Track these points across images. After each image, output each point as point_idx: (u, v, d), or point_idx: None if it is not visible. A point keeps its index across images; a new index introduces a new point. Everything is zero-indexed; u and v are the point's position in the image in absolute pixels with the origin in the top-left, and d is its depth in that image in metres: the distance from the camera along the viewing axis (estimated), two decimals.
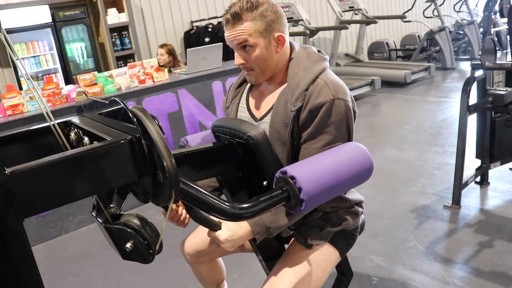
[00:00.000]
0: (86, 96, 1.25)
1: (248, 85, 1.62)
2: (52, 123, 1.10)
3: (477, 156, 3.36)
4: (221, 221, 1.34)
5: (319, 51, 1.51)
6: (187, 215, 1.58)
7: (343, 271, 1.79)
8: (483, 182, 3.42)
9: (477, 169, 3.34)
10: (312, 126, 1.37)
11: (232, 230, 1.35)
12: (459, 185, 3.11)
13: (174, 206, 1.51)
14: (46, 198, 0.89)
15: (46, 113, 1.08)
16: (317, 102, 1.35)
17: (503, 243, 2.64)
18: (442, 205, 3.17)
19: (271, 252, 1.55)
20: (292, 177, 1.18)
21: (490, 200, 3.22)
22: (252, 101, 1.58)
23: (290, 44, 1.51)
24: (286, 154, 1.42)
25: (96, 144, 0.99)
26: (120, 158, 0.96)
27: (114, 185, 1.06)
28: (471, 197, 3.25)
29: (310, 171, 1.21)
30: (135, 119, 0.96)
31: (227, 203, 1.13)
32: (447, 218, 3.01)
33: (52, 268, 3.07)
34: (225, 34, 1.43)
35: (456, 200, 3.12)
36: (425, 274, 2.44)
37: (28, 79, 1.08)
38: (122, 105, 1.00)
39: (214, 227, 1.35)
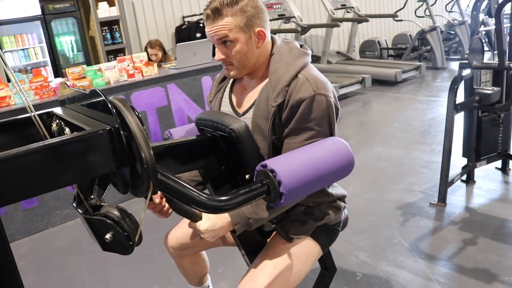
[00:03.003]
0: (68, 87, 1.24)
1: (231, 80, 1.62)
2: (32, 114, 1.09)
3: (464, 155, 3.39)
4: (202, 212, 1.35)
5: (301, 46, 1.52)
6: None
7: (326, 266, 1.79)
8: (469, 180, 3.45)
9: (463, 168, 3.37)
10: (293, 121, 1.38)
11: (212, 221, 1.35)
12: (445, 183, 3.13)
13: (157, 197, 1.51)
14: (23, 187, 0.89)
15: (28, 104, 1.08)
16: (298, 98, 1.36)
17: (486, 240, 2.67)
18: (428, 202, 3.20)
19: (254, 246, 1.56)
20: (272, 171, 1.19)
21: (475, 198, 3.25)
22: (234, 97, 1.59)
23: (272, 38, 1.51)
24: (268, 149, 1.42)
25: (74, 134, 0.99)
26: (98, 148, 0.96)
27: (93, 175, 1.05)
28: (457, 195, 3.28)
29: (290, 165, 1.22)
30: (114, 110, 0.96)
31: (205, 195, 1.14)
32: (433, 215, 3.03)
33: (38, 262, 3.05)
34: (206, 29, 1.43)
35: (442, 198, 3.15)
36: (408, 270, 2.46)
37: (9, 71, 1.08)
38: (103, 96, 1.00)
39: (194, 218, 1.36)
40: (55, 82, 4.02)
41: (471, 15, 3.26)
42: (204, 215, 1.36)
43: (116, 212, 1.10)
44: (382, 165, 4.02)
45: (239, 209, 1.33)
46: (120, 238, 1.08)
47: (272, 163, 1.21)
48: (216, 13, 1.38)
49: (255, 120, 1.45)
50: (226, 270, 2.63)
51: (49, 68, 5.88)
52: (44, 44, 5.83)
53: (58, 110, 1.28)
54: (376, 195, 3.44)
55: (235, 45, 1.41)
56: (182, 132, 1.67)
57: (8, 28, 5.60)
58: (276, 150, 1.44)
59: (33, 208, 3.45)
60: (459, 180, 3.39)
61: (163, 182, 1.10)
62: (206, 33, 1.44)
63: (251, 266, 1.48)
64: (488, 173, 3.56)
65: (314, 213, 1.50)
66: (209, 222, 1.35)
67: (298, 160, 1.25)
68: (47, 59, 5.89)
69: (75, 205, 1.19)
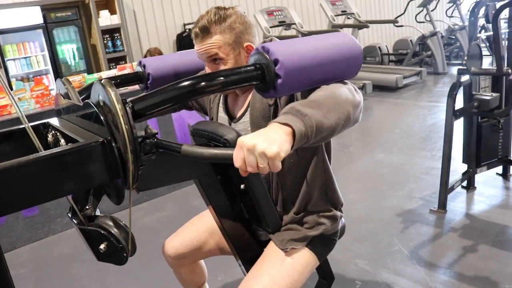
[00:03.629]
0: (63, 97, 1.25)
1: None
2: (26, 125, 1.10)
3: (464, 161, 3.38)
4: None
5: None
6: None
7: (325, 275, 1.79)
8: (470, 186, 3.44)
9: (463, 174, 3.36)
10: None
11: (256, 132, 0.97)
12: (445, 189, 3.13)
13: None
14: (18, 198, 0.90)
15: (22, 115, 1.09)
16: None
17: (487, 247, 2.66)
18: (428, 209, 3.19)
19: (250, 255, 1.56)
20: (268, 50, 1.10)
21: (476, 204, 3.24)
22: (229, 101, 1.61)
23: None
24: None
25: (69, 145, 0.99)
26: (92, 159, 0.97)
27: (87, 186, 1.07)
28: (457, 202, 3.27)
29: (290, 46, 1.13)
30: (105, 122, 0.97)
31: (185, 81, 1.10)
32: (433, 222, 3.02)
33: (38, 270, 3.06)
34: (195, 48, 1.45)
35: (442, 204, 3.14)
36: (408, 278, 2.45)
37: (3, 84, 1.08)
38: (95, 108, 1.01)
39: (228, 151, 1.00)
40: (56, 90, 4.04)
41: (468, 21, 3.27)
42: (244, 136, 0.96)
43: (110, 223, 1.11)
44: (382, 171, 4.01)
45: (282, 114, 1.04)
46: (114, 248, 1.09)
47: (268, 44, 1.12)
48: (204, 32, 1.40)
49: (253, 121, 1.46)
50: (226, 278, 2.63)
51: (51, 76, 5.91)
52: (46, 52, 5.87)
53: (54, 121, 1.29)
54: (376, 201, 3.43)
55: (225, 62, 1.43)
56: (157, 61, 1.68)
57: (10, 37, 5.63)
58: None
59: (33, 216, 3.46)
60: (460, 186, 3.38)
61: (142, 109, 1.07)
62: (196, 50, 1.46)
63: (246, 276, 1.48)
64: (488, 179, 3.55)
65: (310, 223, 1.50)
66: (253, 134, 0.96)
67: (298, 43, 1.16)
68: (49, 67, 5.92)
69: (70, 216, 1.20)
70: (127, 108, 0.98)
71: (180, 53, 1.84)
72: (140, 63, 1.71)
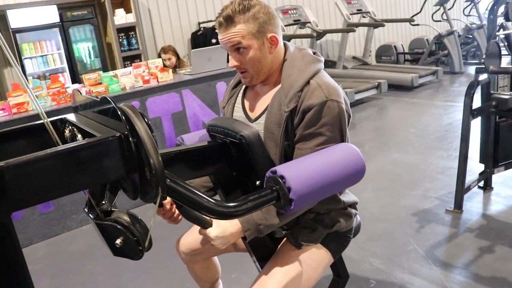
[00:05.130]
0: (80, 93, 1.26)
1: (244, 86, 1.63)
2: (45, 120, 1.11)
3: (481, 161, 3.33)
4: (212, 219, 1.35)
5: (314, 53, 1.52)
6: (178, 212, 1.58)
7: (339, 273, 1.78)
8: (487, 187, 3.39)
9: (480, 174, 3.31)
10: (304, 126, 1.37)
11: (222, 227, 1.34)
12: (461, 189, 3.09)
13: (167, 203, 1.52)
14: (34, 192, 0.90)
15: (41, 111, 1.10)
16: (310, 103, 1.36)
17: (504, 248, 2.62)
18: (444, 209, 3.15)
19: (265, 252, 1.55)
20: (282, 177, 1.18)
21: (492, 205, 3.20)
22: (247, 102, 1.59)
23: (285, 45, 1.52)
24: (279, 155, 1.42)
25: (86, 140, 1.00)
26: (109, 154, 0.97)
27: (103, 180, 1.07)
28: (473, 202, 3.23)
29: (300, 170, 1.21)
30: (123, 117, 0.97)
31: (214, 201, 1.14)
32: (449, 222, 2.99)
33: (53, 266, 3.09)
34: (219, 37, 1.45)
35: (458, 204, 3.10)
36: (423, 278, 2.43)
37: (23, 81, 1.09)
38: (112, 103, 1.01)
39: (205, 225, 1.35)
40: (72, 88, 4.07)
41: (487, 19, 3.22)
42: (214, 222, 1.35)
43: (126, 218, 1.11)
44: (397, 171, 3.98)
45: (249, 216, 1.33)
46: (130, 243, 1.09)
47: (282, 169, 1.20)
48: (228, 21, 1.39)
49: (267, 125, 1.45)
50: (240, 275, 2.63)
51: (67, 74, 5.96)
52: (62, 51, 5.93)
53: (71, 117, 1.30)
54: (391, 201, 3.40)
55: (249, 51, 1.42)
56: (194, 138, 1.68)
57: (27, 36, 5.70)
58: (288, 156, 1.44)
59: (49, 212, 3.50)
60: (476, 186, 3.33)
61: (172, 188, 1.10)
62: (219, 40, 1.45)
63: (260, 273, 1.47)
64: (506, 180, 3.50)
65: (325, 221, 1.49)
66: (219, 229, 1.34)
67: (308, 166, 1.24)
68: (65, 65, 5.98)
69: (86, 210, 1.20)
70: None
71: None
72: (179, 139, 1.75)
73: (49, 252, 3.31)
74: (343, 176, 1.27)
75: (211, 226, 1.35)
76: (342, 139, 1.42)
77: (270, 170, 1.23)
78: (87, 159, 0.94)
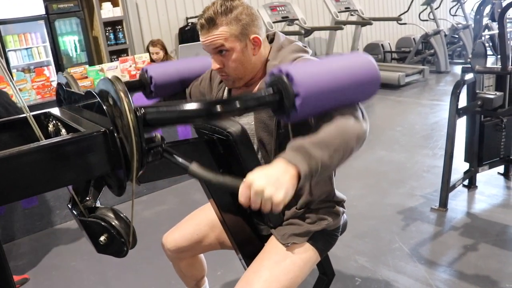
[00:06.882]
0: (64, 88, 1.24)
1: None
2: (28, 114, 1.08)
3: (466, 160, 3.37)
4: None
5: (305, 47, 1.50)
6: None
7: (325, 271, 1.78)
8: (471, 185, 3.43)
9: (465, 173, 3.34)
10: None
11: (264, 171, 1.01)
12: (446, 188, 3.11)
13: None
14: (17, 187, 0.88)
15: (23, 105, 1.07)
16: None
17: (487, 246, 2.65)
18: (429, 207, 3.18)
19: (251, 250, 1.54)
20: (287, 74, 1.08)
21: (477, 203, 3.23)
22: (233, 95, 1.58)
23: (276, 35, 1.50)
24: (274, 144, 1.41)
25: (70, 135, 0.98)
26: (93, 149, 0.95)
27: (88, 177, 1.05)
28: (458, 200, 3.26)
29: (308, 69, 1.13)
30: (108, 113, 0.95)
31: (203, 102, 1.03)
32: (434, 220, 3.01)
33: (36, 262, 3.04)
34: (201, 39, 1.42)
35: (443, 203, 3.13)
36: (408, 276, 2.44)
37: (5, 73, 1.07)
38: (97, 98, 0.99)
39: (235, 182, 1.01)
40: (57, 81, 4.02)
41: (474, 19, 3.25)
42: (253, 174, 1.01)
43: (110, 215, 1.09)
44: (383, 168, 4.00)
45: (287, 151, 1.08)
46: (115, 240, 1.08)
47: (287, 66, 1.11)
48: (210, 23, 1.37)
49: (257, 117, 1.44)
50: (225, 273, 2.62)
51: (52, 67, 5.89)
52: (47, 44, 5.84)
53: (55, 111, 1.27)
54: (377, 199, 3.42)
55: (232, 54, 1.40)
56: (159, 68, 1.67)
57: (12, 27, 5.61)
58: (282, 143, 1.41)
59: (33, 208, 3.45)
60: (461, 185, 3.36)
61: (152, 115, 1.00)
62: (201, 42, 1.43)
63: (247, 270, 1.46)
64: (490, 179, 3.54)
65: (312, 218, 1.49)
66: (261, 173, 1.01)
67: (316, 65, 1.16)
68: (50, 58, 5.90)
69: (70, 207, 1.18)
70: (139, 119, 0.94)
71: (182, 59, 1.84)
72: (143, 69, 1.69)
73: (32, 248, 3.26)
74: (355, 81, 1.18)
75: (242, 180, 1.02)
76: None
77: (272, 70, 1.15)
78: (71, 155, 0.93)
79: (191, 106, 1.03)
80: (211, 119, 1.14)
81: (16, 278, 2.80)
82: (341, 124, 1.14)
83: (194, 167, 1.01)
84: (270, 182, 0.98)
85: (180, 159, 1.03)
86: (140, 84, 1.69)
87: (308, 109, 1.10)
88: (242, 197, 0.99)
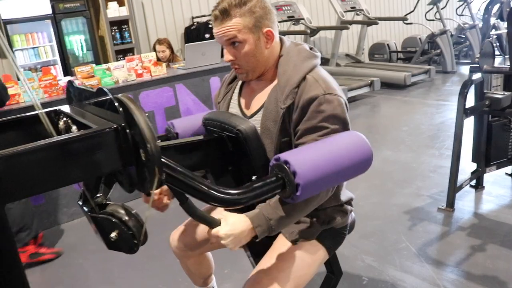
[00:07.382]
0: (74, 85, 1.24)
1: (240, 82, 1.61)
2: (40, 111, 1.09)
3: (473, 160, 3.35)
4: (220, 217, 1.28)
5: (311, 48, 1.50)
6: (167, 201, 1.51)
7: (333, 270, 1.78)
8: (478, 186, 3.41)
9: (472, 173, 3.33)
10: (305, 121, 1.36)
11: (231, 225, 1.25)
12: (453, 188, 3.10)
13: (156, 193, 1.47)
14: (28, 183, 0.88)
15: (35, 101, 1.08)
16: (308, 97, 1.34)
17: (495, 247, 2.64)
18: (436, 207, 3.17)
19: (259, 248, 1.54)
20: (286, 162, 1.14)
21: (484, 204, 3.22)
22: (243, 100, 1.58)
23: (281, 39, 1.50)
24: (274, 152, 1.41)
25: (81, 131, 0.98)
26: (105, 146, 0.95)
27: (99, 173, 1.05)
28: (465, 201, 3.25)
29: (306, 155, 1.17)
30: (120, 108, 0.95)
31: (216, 188, 1.09)
32: (440, 220, 3.00)
33: None
34: (214, 30, 1.42)
35: (450, 203, 3.12)
36: (415, 275, 2.44)
37: (18, 70, 1.07)
38: (109, 95, 0.99)
39: (212, 224, 1.26)
40: (64, 80, 4.03)
41: (482, 19, 3.24)
42: (222, 220, 1.26)
43: (121, 211, 1.09)
44: (389, 169, 3.99)
45: (259, 212, 1.29)
46: (125, 237, 1.08)
47: (285, 155, 1.17)
48: (224, 14, 1.37)
49: (264, 122, 1.44)
50: (232, 271, 2.62)
51: (59, 67, 5.91)
52: (54, 43, 5.87)
53: (65, 108, 1.28)
54: (383, 199, 3.41)
55: (244, 46, 1.40)
56: (185, 122, 1.67)
57: (19, 27, 5.63)
58: (282, 151, 1.41)
59: (40, 205, 3.46)
60: (468, 185, 3.35)
61: (170, 175, 1.06)
62: (214, 34, 1.43)
63: (255, 268, 1.46)
64: (497, 179, 3.52)
65: (320, 217, 1.48)
66: (228, 226, 1.24)
67: (314, 151, 1.20)
68: (57, 58, 5.92)
69: (80, 203, 1.19)
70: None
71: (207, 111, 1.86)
72: (168, 124, 1.74)
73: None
74: (350, 163, 1.23)
75: (218, 225, 1.26)
76: (345, 128, 1.40)
77: (274, 158, 1.19)
78: (83, 151, 0.92)
79: (205, 186, 1.09)
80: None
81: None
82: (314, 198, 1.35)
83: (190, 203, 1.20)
84: (231, 240, 1.25)
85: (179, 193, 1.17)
86: (167, 139, 1.72)
87: (308, 193, 1.19)
88: (210, 236, 1.27)
